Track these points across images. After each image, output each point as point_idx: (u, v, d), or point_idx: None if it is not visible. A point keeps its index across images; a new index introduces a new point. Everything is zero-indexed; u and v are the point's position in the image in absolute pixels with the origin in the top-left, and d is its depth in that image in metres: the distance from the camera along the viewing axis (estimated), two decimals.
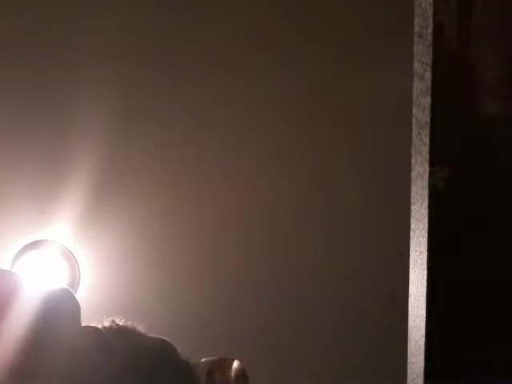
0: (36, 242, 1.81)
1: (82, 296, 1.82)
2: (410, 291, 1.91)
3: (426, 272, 1.91)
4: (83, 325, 1.02)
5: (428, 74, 1.81)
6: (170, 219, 1.89)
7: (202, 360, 1.10)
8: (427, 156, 1.85)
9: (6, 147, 1.84)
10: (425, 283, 1.91)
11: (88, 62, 1.83)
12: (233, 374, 1.10)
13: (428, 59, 1.81)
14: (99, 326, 1.04)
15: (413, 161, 1.86)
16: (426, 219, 1.88)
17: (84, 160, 1.83)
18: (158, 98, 1.86)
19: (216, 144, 1.87)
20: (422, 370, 1.95)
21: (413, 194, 1.87)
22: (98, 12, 1.82)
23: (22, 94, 1.84)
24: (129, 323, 1.06)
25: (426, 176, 1.87)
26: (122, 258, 1.87)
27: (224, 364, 1.11)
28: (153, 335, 1.04)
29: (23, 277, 0.98)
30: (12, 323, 0.89)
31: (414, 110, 1.83)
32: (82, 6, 1.82)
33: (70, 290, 0.99)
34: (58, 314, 0.94)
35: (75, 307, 0.98)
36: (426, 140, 1.84)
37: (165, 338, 1.04)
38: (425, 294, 1.91)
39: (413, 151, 1.85)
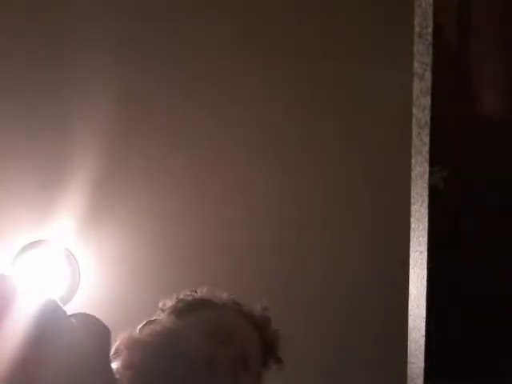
0: (36, 241, 1.81)
1: (82, 295, 1.82)
2: (410, 291, 1.91)
3: (425, 272, 1.91)
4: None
5: (428, 74, 1.81)
6: (171, 219, 1.89)
7: None
8: (427, 156, 1.85)
9: (7, 147, 1.85)
10: (425, 283, 1.91)
11: (89, 63, 1.83)
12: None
13: (428, 59, 1.81)
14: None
15: (413, 161, 1.86)
16: (426, 219, 1.88)
17: (84, 160, 1.83)
18: (159, 98, 1.86)
19: (217, 144, 1.87)
20: (422, 370, 1.95)
21: (413, 193, 1.87)
22: (99, 12, 1.83)
23: (23, 95, 1.84)
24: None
25: (426, 176, 1.87)
26: (122, 258, 1.88)
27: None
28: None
29: (18, 283, 0.98)
30: (6, 332, 0.89)
31: (414, 110, 1.83)
32: (82, 6, 1.83)
33: (56, 300, 1.00)
34: (52, 324, 0.95)
35: (64, 318, 0.99)
36: (426, 140, 1.84)
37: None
38: (425, 293, 1.91)
39: (413, 151, 1.85)
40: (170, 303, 1.17)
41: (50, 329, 0.93)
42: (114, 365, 1.03)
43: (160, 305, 1.18)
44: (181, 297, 1.18)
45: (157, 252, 1.89)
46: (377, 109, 1.85)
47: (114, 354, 1.05)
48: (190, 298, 1.18)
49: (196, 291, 1.20)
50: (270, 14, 1.83)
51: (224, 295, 1.19)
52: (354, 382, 1.93)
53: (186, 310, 1.15)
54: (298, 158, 1.88)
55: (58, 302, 0.99)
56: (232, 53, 1.85)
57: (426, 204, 1.87)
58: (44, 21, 1.82)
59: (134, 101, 1.86)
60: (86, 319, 1.02)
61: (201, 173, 1.89)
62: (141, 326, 1.13)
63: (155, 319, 1.15)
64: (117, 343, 1.06)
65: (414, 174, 1.86)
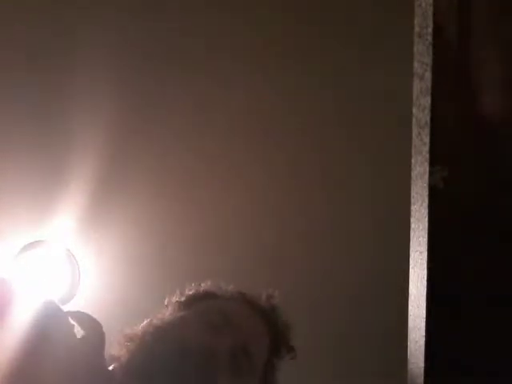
0: (36, 242, 1.81)
1: (82, 295, 1.82)
2: (410, 291, 1.91)
3: (425, 272, 1.91)
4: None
5: (428, 74, 1.81)
6: (171, 219, 1.89)
7: None
8: (427, 156, 1.85)
9: (7, 148, 1.85)
10: (425, 283, 1.91)
11: (90, 63, 1.83)
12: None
13: (428, 59, 1.80)
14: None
15: (413, 161, 1.86)
16: (426, 219, 1.88)
17: (84, 160, 1.83)
18: (159, 99, 1.86)
19: (217, 145, 1.87)
20: (422, 370, 1.95)
21: (413, 193, 1.87)
22: (100, 16, 1.83)
23: (23, 96, 1.84)
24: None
25: (426, 176, 1.87)
26: (121, 258, 1.88)
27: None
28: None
29: (17, 285, 0.98)
30: (6, 334, 0.90)
31: (414, 110, 1.83)
32: (84, 10, 1.83)
33: (55, 301, 1.00)
34: (50, 326, 0.95)
35: (64, 319, 0.99)
36: (426, 140, 1.84)
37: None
38: (425, 293, 1.91)
39: (413, 151, 1.85)
40: (174, 299, 1.17)
41: (49, 331, 0.93)
42: (112, 362, 1.03)
43: (165, 302, 1.17)
44: (185, 291, 1.18)
45: (157, 252, 1.89)
46: (377, 109, 1.85)
47: (114, 350, 1.05)
48: (193, 291, 1.18)
49: (200, 285, 1.19)
50: (270, 14, 1.83)
51: (229, 288, 1.19)
52: (355, 382, 1.93)
53: (188, 303, 1.14)
54: (298, 158, 1.88)
55: (57, 303, 0.99)
56: (232, 52, 1.85)
57: (425, 204, 1.87)
58: (45, 22, 1.82)
59: (135, 102, 1.86)
60: (81, 317, 1.02)
61: (202, 176, 1.89)
62: (144, 323, 1.13)
63: (157, 316, 1.14)
64: (116, 340, 1.06)
65: (414, 173, 1.86)
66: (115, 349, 1.04)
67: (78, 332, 0.99)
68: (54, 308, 0.98)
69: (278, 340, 1.14)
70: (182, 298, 1.16)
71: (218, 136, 1.88)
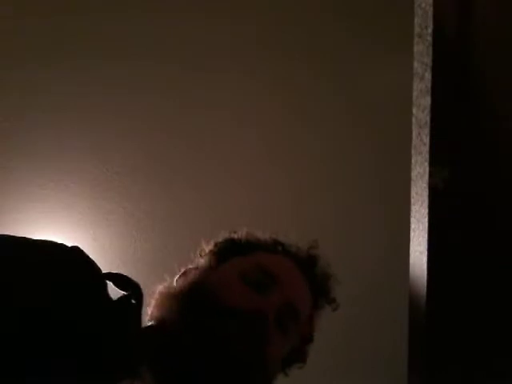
0: None
1: None
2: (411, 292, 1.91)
3: (426, 273, 1.91)
4: None
5: (428, 74, 1.81)
6: (171, 220, 1.89)
7: None
8: (427, 156, 1.85)
9: (7, 148, 1.85)
10: (425, 283, 1.91)
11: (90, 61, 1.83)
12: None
13: (428, 59, 1.81)
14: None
15: (413, 161, 1.86)
16: (426, 219, 1.88)
17: (84, 160, 1.83)
18: (158, 98, 1.86)
19: (216, 145, 1.87)
20: (422, 370, 1.95)
21: (413, 193, 1.87)
22: (97, 18, 1.83)
23: (23, 95, 1.84)
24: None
25: (426, 176, 1.87)
26: (121, 259, 1.88)
27: None
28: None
29: None
30: None
31: (414, 110, 1.83)
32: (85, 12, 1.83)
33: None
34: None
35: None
36: (426, 140, 1.84)
37: None
38: (425, 294, 1.92)
39: (413, 151, 1.86)
40: (208, 248, 1.09)
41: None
42: (150, 322, 0.98)
43: (198, 251, 1.10)
44: (219, 240, 1.10)
45: (157, 253, 1.89)
46: (377, 109, 1.86)
47: (151, 310, 0.99)
48: (227, 240, 1.10)
49: (235, 232, 1.12)
50: (270, 14, 1.84)
51: (265, 235, 1.12)
52: (354, 381, 1.94)
53: (224, 253, 1.07)
54: (298, 158, 1.88)
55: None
56: (232, 54, 1.85)
57: (425, 204, 1.87)
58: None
59: (134, 101, 1.86)
60: (119, 278, 0.97)
61: (202, 175, 1.89)
62: (178, 276, 1.05)
63: (192, 268, 1.07)
64: (152, 300, 1.00)
65: (413, 174, 1.86)
66: (152, 308, 0.99)
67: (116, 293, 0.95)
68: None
69: (319, 292, 1.11)
70: (217, 248, 1.08)
71: (219, 135, 1.88)
